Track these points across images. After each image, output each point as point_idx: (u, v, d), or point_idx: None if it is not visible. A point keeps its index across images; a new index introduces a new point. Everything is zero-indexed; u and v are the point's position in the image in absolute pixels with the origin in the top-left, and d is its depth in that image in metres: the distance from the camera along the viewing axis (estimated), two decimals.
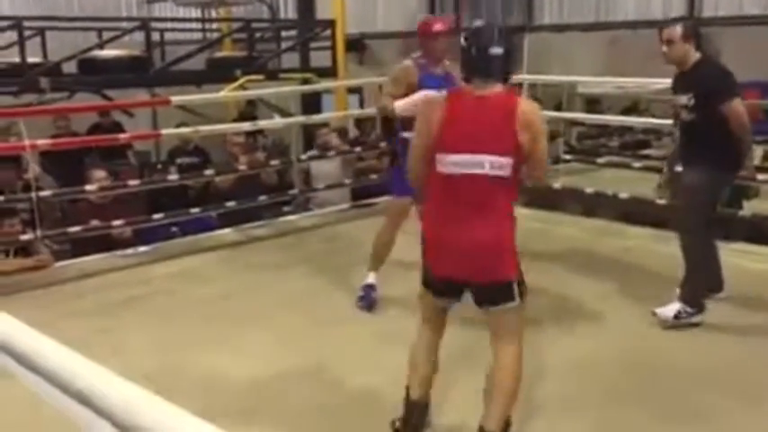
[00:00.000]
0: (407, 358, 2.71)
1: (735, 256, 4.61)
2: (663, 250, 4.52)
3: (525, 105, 2.49)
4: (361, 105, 11.47)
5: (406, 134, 3.82)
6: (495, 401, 2.50)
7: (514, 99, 2.51)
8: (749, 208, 4.94)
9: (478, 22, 2.69)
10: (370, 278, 4.07)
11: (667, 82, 5.62)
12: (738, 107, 3.52)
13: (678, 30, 3.59)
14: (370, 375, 3.17)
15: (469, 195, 2.46)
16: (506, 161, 2.42)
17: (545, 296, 4.03)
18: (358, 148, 7.02)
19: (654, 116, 7.66)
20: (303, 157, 6.37)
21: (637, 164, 6.23)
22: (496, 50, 2.49)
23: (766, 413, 2.85)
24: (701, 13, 8.61)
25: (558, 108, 7.16)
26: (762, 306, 3.85)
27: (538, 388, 3.00)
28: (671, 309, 3.62)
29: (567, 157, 6.55)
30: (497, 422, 2.49)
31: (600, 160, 6.69)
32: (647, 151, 7.68)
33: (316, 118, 7.65)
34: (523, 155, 2.45)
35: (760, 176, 5.23)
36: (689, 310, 3.61)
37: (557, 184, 5.76)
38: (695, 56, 3.63)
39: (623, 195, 5.45)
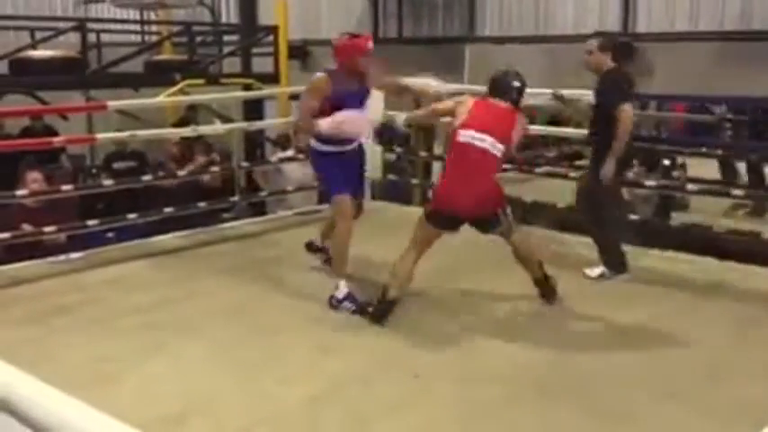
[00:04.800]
0: (396, 267, 3.80)
1: (665, 263, 4.79)
2: (597, 258, 4.65)
3: (521, 118, 3.93)
4: None
5: (324, 147, 4.10)
6: (526, 266, 4.00)
7: (516, 113, 3.91)
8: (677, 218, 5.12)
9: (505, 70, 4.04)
10: (344, 287, 3.96)
11: None
12: (627, 112, 4.15)
13: (595, 42, 4.35)
14: (308, 385, 3.15)
15: (475, 159, 3.74)
16: (501, 146, 3.77)
17: (486, 302, 4.10)
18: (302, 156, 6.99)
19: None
20: (274, 159, 6.36)
21: (573, 174, 6.37)
22: (517, 84, 3.94)
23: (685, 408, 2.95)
24: (635, 29, 8.90)
25: None
26: (689, 311, 4.00)
27: (480, 389, 3.05)
28: (596, 270, 4.43)
29: (507, 166, 6.65)
30: (538, 273, 4.01)
31: (538, 170, 6.81)
32: (581, 162, 7.86)
33: (258, 124, 7.58)
34: (510, 145, 3.86)
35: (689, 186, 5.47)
36: (608, 272, 4.41)
37: None
38: (609, 65, 4.30)
39: (560, 205, 5.57)
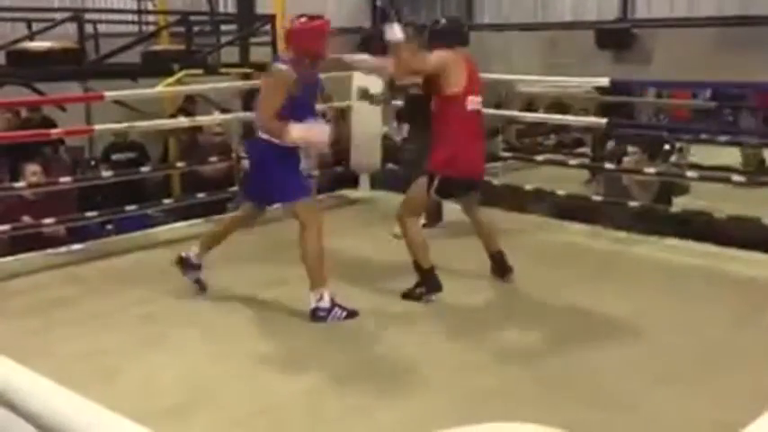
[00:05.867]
0: (418, 242, 3.90)
1: (665, 251, 4.79)
2: (596, 246, 4.66)
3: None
4: None
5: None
6: (489, 241, 4.09)
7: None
8: (678, 204, 5.11)
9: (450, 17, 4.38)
10: (327, 295, 3.67)
11: (602, 81, 5.83)
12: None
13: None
14: (309, 376, 3.16)
15: (479, 123, 3.84)
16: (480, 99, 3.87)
17: (483, 293, 4.10)
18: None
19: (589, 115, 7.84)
20: None
21: (572, 161, 6.38)
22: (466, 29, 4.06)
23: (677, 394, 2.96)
24: (634, 14, 8.86)
25: (498, 106, 7.24)
26: (689, 298, 3.99)
27: (479, 379, 3.06)
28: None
29: (507, 154, 6.66)
30: (498, 247, 4.13)
31: (538, 158, 6.80)
32: (581, 150, 7.86)
33: None
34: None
35: (689, 173, 5.45)
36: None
37: (496, 182, 5.83)
38: None
39: (560, 192, 5.56)
